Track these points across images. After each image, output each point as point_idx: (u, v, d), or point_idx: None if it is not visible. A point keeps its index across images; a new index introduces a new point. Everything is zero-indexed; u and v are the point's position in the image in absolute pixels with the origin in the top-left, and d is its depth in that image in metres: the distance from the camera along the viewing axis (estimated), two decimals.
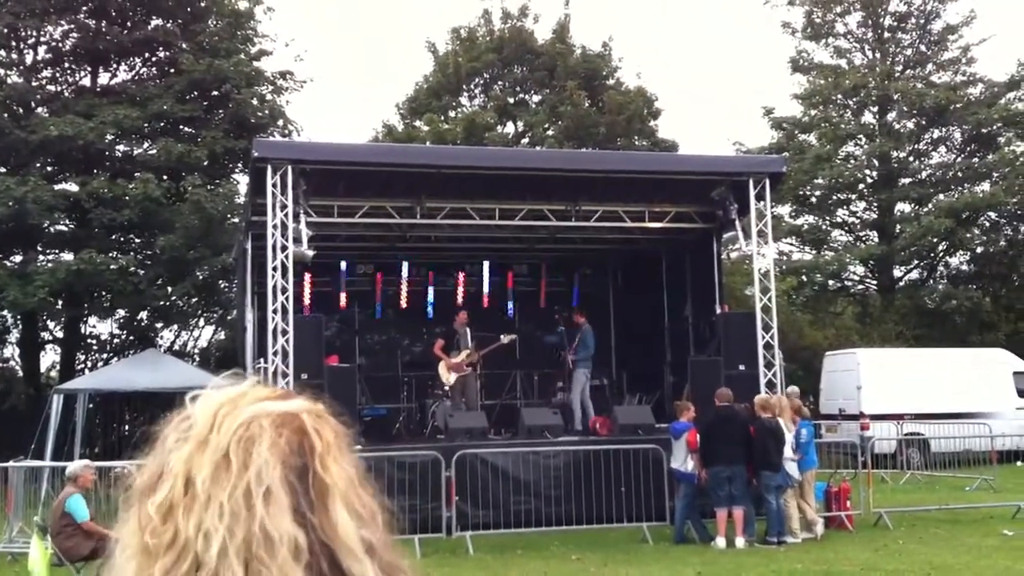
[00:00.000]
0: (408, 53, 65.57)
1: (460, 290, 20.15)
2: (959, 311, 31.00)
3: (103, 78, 27.71)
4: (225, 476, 1.05)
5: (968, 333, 29.81)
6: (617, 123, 33.65)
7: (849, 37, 36.20)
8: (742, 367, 14.94)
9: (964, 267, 34.91)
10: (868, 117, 35.98)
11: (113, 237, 25.40)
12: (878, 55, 35.64)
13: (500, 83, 36.45)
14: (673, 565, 11.30)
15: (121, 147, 26.86)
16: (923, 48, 35.41)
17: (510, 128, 36.13)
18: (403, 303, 20.09)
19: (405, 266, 19.95)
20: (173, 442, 1.10)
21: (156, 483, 1.08)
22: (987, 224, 33.82)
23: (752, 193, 15.39)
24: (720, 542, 12.51)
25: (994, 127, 33.46)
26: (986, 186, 33.00)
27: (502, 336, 17.42)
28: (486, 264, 20.43)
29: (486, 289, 20.44)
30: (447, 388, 16.73)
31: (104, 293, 25.20)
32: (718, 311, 16.90)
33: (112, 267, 23.17)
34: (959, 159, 34.75)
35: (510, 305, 20.62)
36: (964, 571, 10.47)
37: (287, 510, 1.04)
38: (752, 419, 13.21)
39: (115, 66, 27.80)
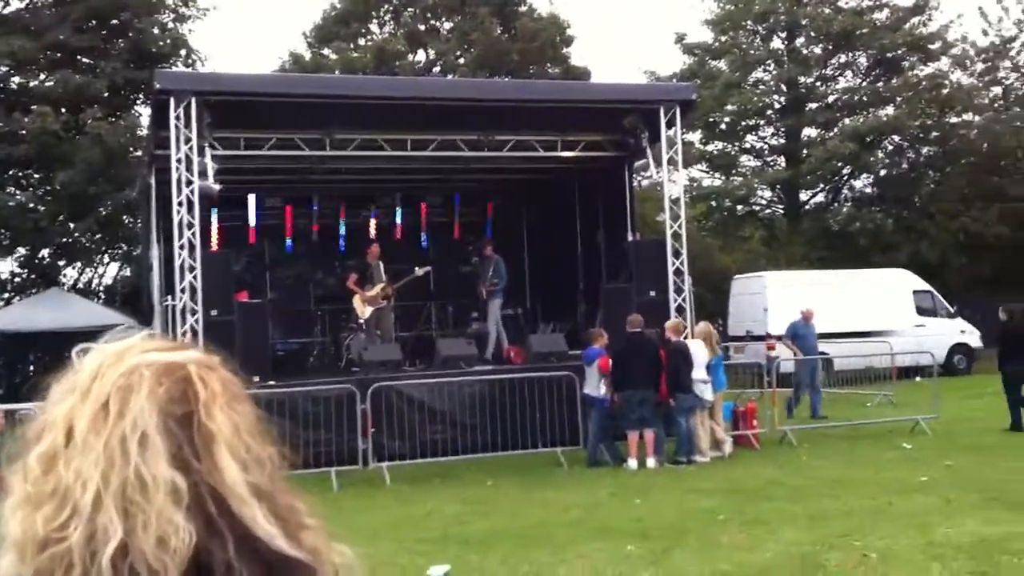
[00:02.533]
0: None
1: (372, 223, 19.96)
2: (862, 233, 31.85)
3: None
4: (103, 425, 1.06)
5: (871, 254, 30.68)
6: (529, 50, 33.42)
7: None
8: (653, 293, 15.18)
9: (868, 190, 35.84)
10: (777, 43, 36.33)
11: (10, 173, 24.55)
12: None
13: (410, 9, 35.78)
14: (587, 487, 11.56)
15: (16, 79, 25.82)
16: None
17: (421, 56, 35.61)
18: (314, 237, 19.85)
19: (316, 199, 19.66)
20: (59, 394, 1.12)
21: (41, 434, 1.10)
22: (890, 147, 34.67)
23: (663, 121, 15.49)
24: (632, 463, 12.81)
25: (898, 51, 34.10)
26: (890, 110, 33.73)
27: (416, 268, 17.34)
28: (398, 196, 20.27)
29: (399, 221, 20.31)
30: (362, 321, 16.66)
31: (3, 231, 24.43)
32: (630, 239, 17.08)
33: (10, 204, 22.45)
34: (864, 83, 35.40)
35: (423, 237, 20.51)
36: (865, 484, 10.89)
37: (163, 455, 1.05)
38: (662, 343, 13.49)
39: None
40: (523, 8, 35.39)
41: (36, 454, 1.08)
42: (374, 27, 36.30)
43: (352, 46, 34.39)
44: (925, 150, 34.80)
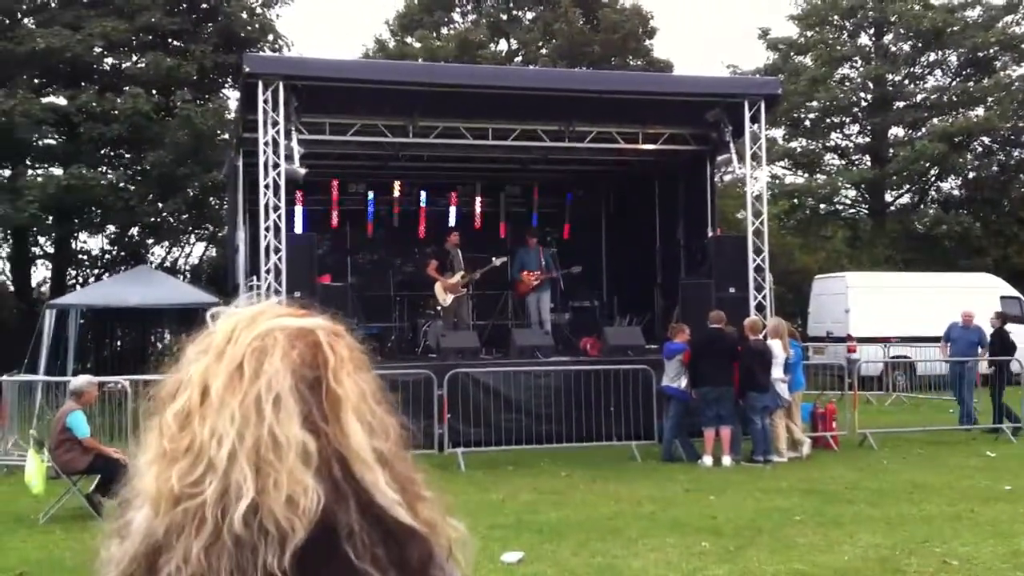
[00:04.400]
0: None
1: (452, 210, 20.09)
2: (949, 236, 31.14)
3: None
4: (238, 385, 1.10)
5: (957, 258, 29.97)
6: (612, 42, 33.26)
7: None
8: (732, 290, 15.03)
9: (955, 192, 34.98)
10: (864, 39, 35.64)
11: (102, 152, 25.21)
12: None
13: None
14: (661, 482, 11.50)
15: (109, 60, 26.47)
16: None
17: (503, 46, 35.66)
18: (395, 223, 20.04)
19: (397, 185, 19.85)
20: (194, 355, 1.16)
21: (176, 393, 1.14)
22: (980, 149, 33.80)
23: (747, 115, 15.30)
24: (707, 460, 12.71)
25: (991, 51, 33.22)
26: (980, 111, 32.87)
27: (493, 258, 17.37)
28: (479, 184, 20.36)
29: (478, 209, 20.41)
30: (440, 308, 16.78)
31: (94, 209, 25.12)
32: (710, 234, 16.94)
33: (102, 183, 23.04)
34: (954, 83, 34.55)
35: (501, 226, 20.57)
36: (945, 490, 10.68)
37: (296, 417, 1.09)
38: (740, 341, 13.36)
39: None
40: None
41: (172, 411, 1.12)
42: (457, 16, 36.47)
43: (435, 35, 34.59)
44: (1016, 153, 33.84)
